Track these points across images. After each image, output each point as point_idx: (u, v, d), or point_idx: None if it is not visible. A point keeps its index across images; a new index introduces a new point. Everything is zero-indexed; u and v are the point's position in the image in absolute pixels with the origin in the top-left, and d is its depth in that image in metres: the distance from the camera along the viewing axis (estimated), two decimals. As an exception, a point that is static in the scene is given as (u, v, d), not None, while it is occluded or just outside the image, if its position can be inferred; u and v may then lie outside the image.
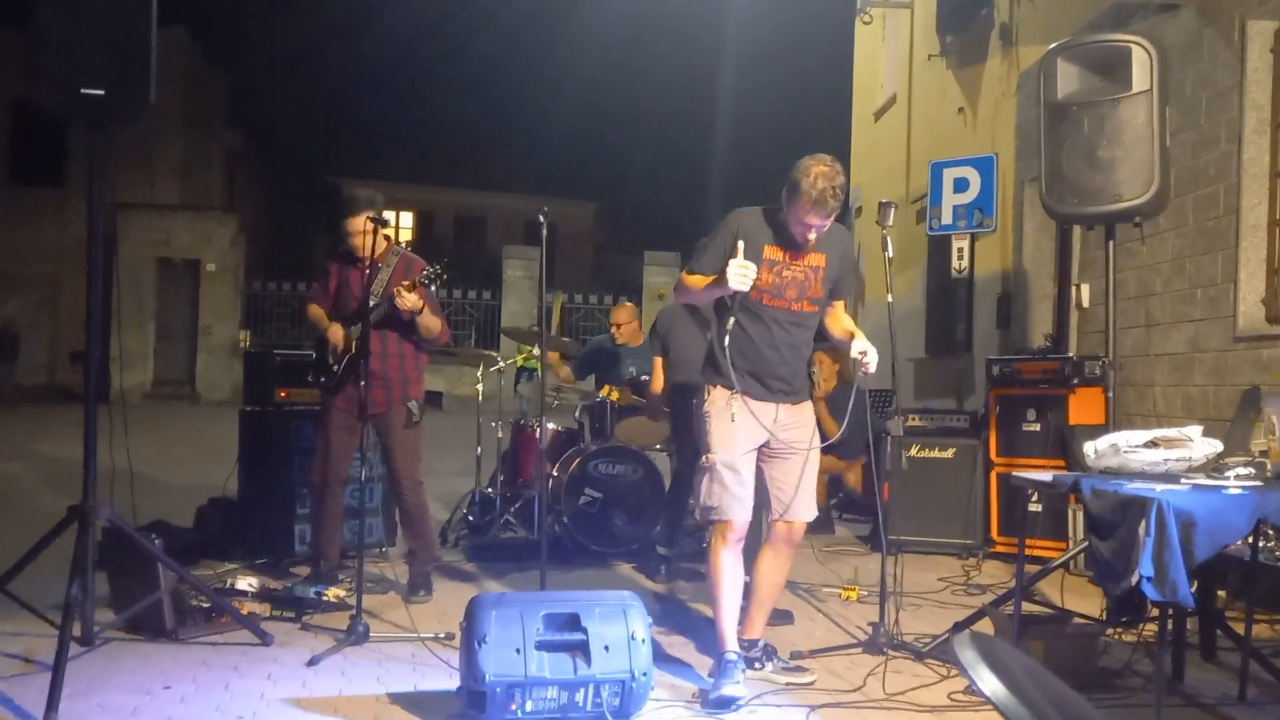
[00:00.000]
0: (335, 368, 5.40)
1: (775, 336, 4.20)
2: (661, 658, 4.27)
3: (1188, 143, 6.85)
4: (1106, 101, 4.99)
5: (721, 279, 3.96)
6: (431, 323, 5.44)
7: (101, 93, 4.09)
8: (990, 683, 1.27)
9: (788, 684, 4.16)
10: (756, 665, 4.23)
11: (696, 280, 4.19)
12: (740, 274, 3.91)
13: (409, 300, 5.23)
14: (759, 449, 4.25)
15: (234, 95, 29.35)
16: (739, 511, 4.14)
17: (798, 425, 4.29)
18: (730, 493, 4.11)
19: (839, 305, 4.40)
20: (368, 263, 4.99)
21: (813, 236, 4.10)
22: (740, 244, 3.98)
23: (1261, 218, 6.47)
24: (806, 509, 4.30)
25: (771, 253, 4.13)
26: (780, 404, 4.24)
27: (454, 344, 7.29)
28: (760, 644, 4.32)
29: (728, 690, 3.88)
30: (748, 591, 4.38)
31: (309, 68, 34.74)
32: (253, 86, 30.84)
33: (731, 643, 4.09)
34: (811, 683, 4.18)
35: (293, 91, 33.32)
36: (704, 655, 4.58)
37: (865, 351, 4.13)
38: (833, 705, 3.93)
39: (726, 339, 4.13)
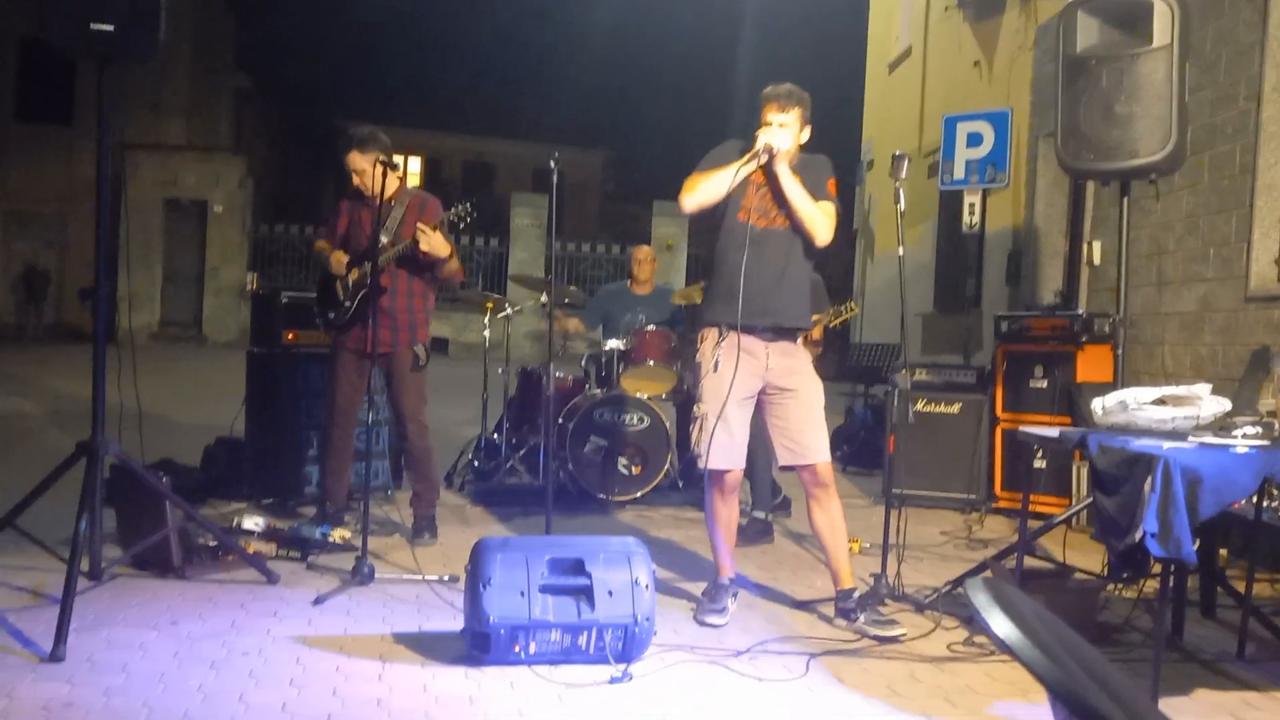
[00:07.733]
0: (348, 304, 5.37)
1: (766, 258, 4.24)
2: (665, 604, 4.30)
3: (1206, 100, 6.78)
4: (1126, 56, 4.92)
5: (749, 154, 4.20)
6: (454, 263, 5.43)
7: (111, 28, 4.02)
8: (1004, 625, 1.28)
9: (876, 636, 4.10)
10: (852, 616, 4.23)
11: (711, 173, 4.29)
12: (775, 130, 4.20)
13: (434, 242, 5.20)
14: (759, 396, 4.34)
15: (242, 36, 29.11)
16: (724, 461, 4.29)
17: (792, 367, 4.35)
18: (717, 442, 4.23)
19: None
20: (378, 201, 4.95)
21: (783, 122, 4.25)
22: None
23: (1277, 177, 6.42)
24: (818, 448, 4.31)
25: (753, 174, 4.31)
26: (769, 343, 4.29)
27: (460, 288, 7.26)
28: (853, 594, 4.31)
29: (711, 613, 4.27)
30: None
31: (318, 9, 34.38)
32: (261, 27, 30.50)
33: (727, 570, 4.43)
34: (900, 636, 4.10)
35: (302, 33, 32.99)
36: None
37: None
38: (834, 654, 3.95)
39: (724, 269, 4.30)
